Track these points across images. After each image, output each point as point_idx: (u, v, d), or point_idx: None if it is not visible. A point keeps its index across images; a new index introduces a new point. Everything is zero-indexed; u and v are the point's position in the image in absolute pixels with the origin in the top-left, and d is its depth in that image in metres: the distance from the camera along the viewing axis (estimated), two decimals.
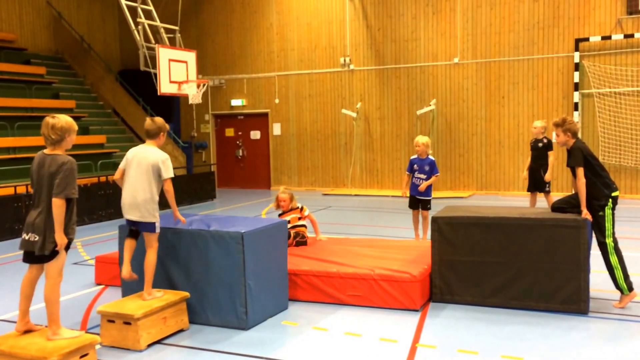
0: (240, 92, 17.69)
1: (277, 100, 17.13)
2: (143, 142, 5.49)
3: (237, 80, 17.66)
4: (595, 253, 5.62)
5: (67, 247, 4.39)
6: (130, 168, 5.20)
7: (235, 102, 17.68)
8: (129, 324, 4.83)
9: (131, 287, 5.54)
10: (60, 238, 4.27)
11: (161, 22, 13.53)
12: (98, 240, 9.74)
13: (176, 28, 13.76)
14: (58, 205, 4.24)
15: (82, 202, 10.83)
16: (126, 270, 5.21)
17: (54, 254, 4.33)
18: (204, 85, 13.33)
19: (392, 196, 14.43)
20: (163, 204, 5.18)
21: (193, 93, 12.88)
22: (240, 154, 17.99)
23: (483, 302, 5.71)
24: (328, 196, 15.38)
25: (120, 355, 4.77)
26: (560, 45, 13.97)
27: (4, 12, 15.99)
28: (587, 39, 13.58)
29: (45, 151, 4.45)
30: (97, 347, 4.69)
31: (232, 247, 5.18)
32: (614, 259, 5.52)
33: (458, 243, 5.78)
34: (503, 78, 14.56)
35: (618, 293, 5.62)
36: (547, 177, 9.39)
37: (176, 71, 12.45)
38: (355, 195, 15.38)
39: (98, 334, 4.85)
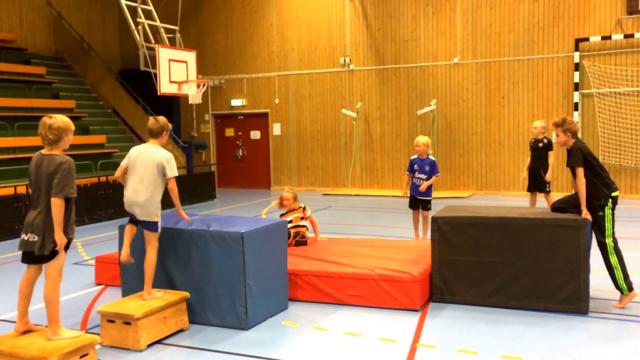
0: (240, 92, 17.69)
1: (277, 100, 17.13)
2: (143, 142, 5.49)
3: (237, 80, 17.66)
4: (595, 253, 5.62)
5: (66, 247, 4.39)
6: (134, 167, 5.20)
7: (235, 102, 17.68)
8: (129, 324, 4.83)
9: (131, 287, 5.55)
10: (59, 238, 4.27)
11: (161, 22, 13.53)
12: (98, 240, 9.74)
13: (176, 28, 13.77)
14: (57, 205, 4.24)
15: (82, 202, 10.83)
16: (125, 253, 5.23)
17: (53, 254, 4.33)
18: (203, 85, 13.33)
19: (392, 196, 14.43)
20: (167, 202, 5.18)
21: (193, 93, 12.89)
22: (240, 154, 17.98)
23: (483, 302, 5.70)
24: (328, 196, 15.38)
25: (120, 355, 4.77)
26: (560, 45, 13.97)
27: (4, 12, 15.99)
28: (587, 39, 13.59)
29: (43, 151, 4.45)
30: (97, 347, 4.69)
31: (232, 247, 5.18)
32: (613, 259, 5.52)
33: (458, 243, 5.78)
34: (503, 78, 14.56)
35: (618, 293, 5.62)
36: (547, 177, 9.39)
37: (176, 71, 12.46)
38: (355, 195, 15.38)
39: (98, 334, 4.85)
